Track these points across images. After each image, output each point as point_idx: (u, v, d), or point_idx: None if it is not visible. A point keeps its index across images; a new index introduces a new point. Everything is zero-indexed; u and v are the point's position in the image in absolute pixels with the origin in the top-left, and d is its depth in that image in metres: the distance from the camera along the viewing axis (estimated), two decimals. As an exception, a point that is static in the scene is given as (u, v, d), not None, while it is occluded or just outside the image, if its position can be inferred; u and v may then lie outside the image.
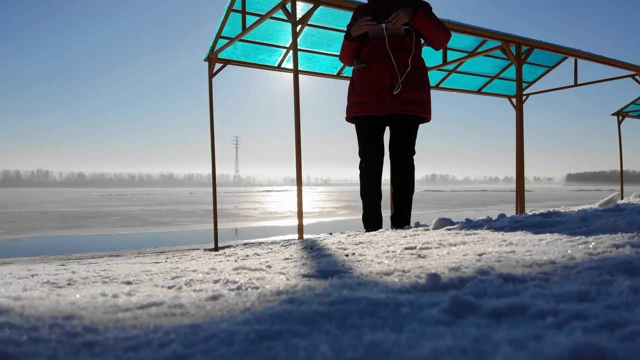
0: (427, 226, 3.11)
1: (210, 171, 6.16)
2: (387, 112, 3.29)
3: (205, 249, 6.20)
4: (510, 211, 25.29)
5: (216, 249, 6.01)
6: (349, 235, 3.11)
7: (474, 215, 24.43)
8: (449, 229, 2.69)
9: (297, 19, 3.86)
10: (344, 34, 3.48)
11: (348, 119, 3.54)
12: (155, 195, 72.01)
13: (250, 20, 4.93)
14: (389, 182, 3.52)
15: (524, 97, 7.95)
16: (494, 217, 3.29)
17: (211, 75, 5.63)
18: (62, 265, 7.70)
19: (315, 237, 3.43)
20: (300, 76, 4.11)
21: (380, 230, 3.09)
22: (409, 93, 3.22)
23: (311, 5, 3.96)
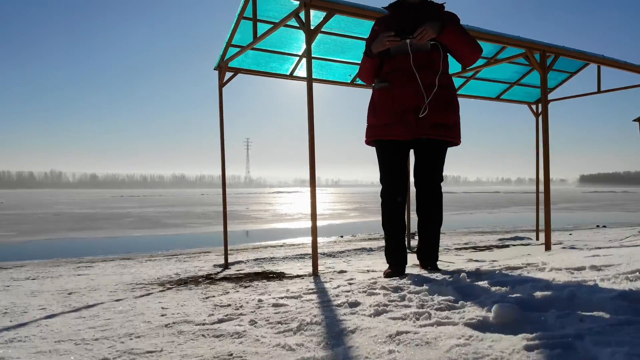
0: (472, 291, 2.39)
1: (222, 172, 6.05)
2: (412, 136, 2.86)
3: (215, 265, 5.89)
4: (527, 214, 24.92)
5: (226, 264, 5.78)
6: (384, 309, 2.33)
7: (488, 218, 24.18)
8: (529, 347, 1.80)
9: (312, 29, 3.72)
10: (364, 50, 3.07)
11: (368, 143, 3.16)
12: (167, 197, 72.25)
13: (262, 27, 4.77)
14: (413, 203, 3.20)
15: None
16: (534, 258, 2.94)
17: (221, 84, 5.45)
18: (74, 273, 7.64)
19: (334, 283, 2.92)
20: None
21: (421, 303, 2.34)
22: (437, 115, 2.84)
23: (325, 13, 3.82)
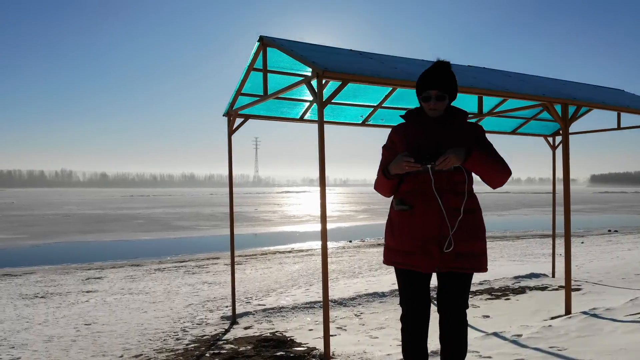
0: None
1: (230, 222, 5.77)
2: (434, 269, 2.64)
3: (222, 317, 5.42)
4: (537, 216, 24.69)
5: (234, 317, 5.32)
6: None
7: (498, 221, 23.95)
8: None
9: (324, 100, 3.55)
10: (379, 168, 2.83)
11: (386, 264, 2.98)
12: (177, 197, 72.47)
13: (272, 78, 4.62)
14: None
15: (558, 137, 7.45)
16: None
17: (231, 131, 5.29)
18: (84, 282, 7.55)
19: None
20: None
21: None
22: (462, 245, 2.64)
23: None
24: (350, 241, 15.98)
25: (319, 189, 3.54)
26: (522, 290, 6.28)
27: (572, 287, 5.58)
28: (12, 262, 11.66)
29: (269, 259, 11.46)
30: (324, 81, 3.50)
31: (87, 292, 7.28)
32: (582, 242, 13.38)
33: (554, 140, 7.38)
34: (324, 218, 3.64)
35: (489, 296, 6.04)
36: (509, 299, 5.85)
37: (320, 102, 3.49)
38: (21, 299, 6.83)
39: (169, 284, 7.82)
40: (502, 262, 9.37)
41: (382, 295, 6.05)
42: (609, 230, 18.17)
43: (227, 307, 5.88)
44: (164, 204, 46.11)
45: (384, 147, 2.81)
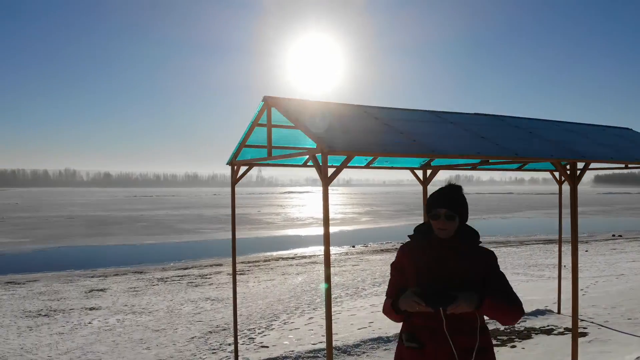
0: None
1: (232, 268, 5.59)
2: None
3: None
4: (541, 219, 24.53)
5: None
6: None
7: (502, 224, 23.88)
8: None
9: (329, 175, 3.47)
10: (388, 290, 2.77)
11: None
12: (180, 197, 72.54)
13: (276, 131, 4.69)
14: None
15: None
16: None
17: (234, 181, 5.31)
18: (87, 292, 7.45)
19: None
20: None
21: None
22: None
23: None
24: (354, 246, 15.96)
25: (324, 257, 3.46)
26: (527, 335, 6.05)
27: (580, 331, 5.36)
28: (17, 268, 11.73)
29: (272, 267, 11.42)
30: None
31: (90, 309, 7.26)
32: (587, 251, 13.31)
33: (560, 176, 7.25)
34: (328, 280, 3.58)
35: (495, 341, 5.69)
36: (515, 346, 5.64)
37: (325, 178, 3.46)
38: (25, 318, 6.81)
39: (172, 299, 7.82)
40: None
41: (387, 340, 5.77)
42: (613, 235, 18.10)
43: (229, 345, 5.58)
44: (167, 205, 46.20)
45: (393, 266, 2.71)
